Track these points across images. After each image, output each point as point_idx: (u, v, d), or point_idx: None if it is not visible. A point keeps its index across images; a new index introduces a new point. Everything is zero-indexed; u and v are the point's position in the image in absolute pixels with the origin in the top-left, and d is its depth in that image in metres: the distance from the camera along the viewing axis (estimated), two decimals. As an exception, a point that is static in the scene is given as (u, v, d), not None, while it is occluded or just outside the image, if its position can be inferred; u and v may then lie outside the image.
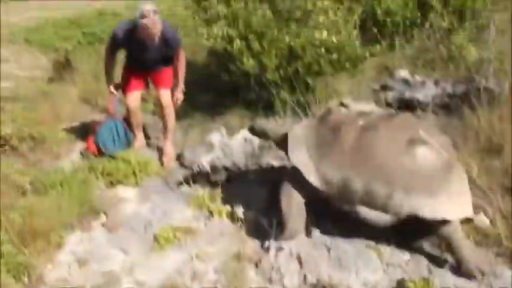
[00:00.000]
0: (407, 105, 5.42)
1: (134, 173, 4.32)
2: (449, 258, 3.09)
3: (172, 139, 4.96)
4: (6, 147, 5.05)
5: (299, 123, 3.66)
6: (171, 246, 3.37)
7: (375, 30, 7.28)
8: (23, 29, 13.12)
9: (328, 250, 3.13)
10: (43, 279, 3.10)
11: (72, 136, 5.33)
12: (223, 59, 5.25)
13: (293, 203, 3.28)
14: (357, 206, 3.11)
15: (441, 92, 5.44)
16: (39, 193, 4.00)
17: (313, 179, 3.21)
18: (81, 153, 4.94)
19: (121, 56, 4.99)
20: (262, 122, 4.06)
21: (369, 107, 5.36)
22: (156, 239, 3.44)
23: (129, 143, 4.93)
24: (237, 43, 4.95)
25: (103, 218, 3.82)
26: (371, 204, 3.06)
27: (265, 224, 3.39)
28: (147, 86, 5.06)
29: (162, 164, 4.72)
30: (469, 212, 3.04)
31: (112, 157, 4.54)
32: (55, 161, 4.86)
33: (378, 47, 5.72)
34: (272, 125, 4.02)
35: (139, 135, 5.11)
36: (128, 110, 4.95)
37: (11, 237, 3.21)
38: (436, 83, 5.63)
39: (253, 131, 3.98)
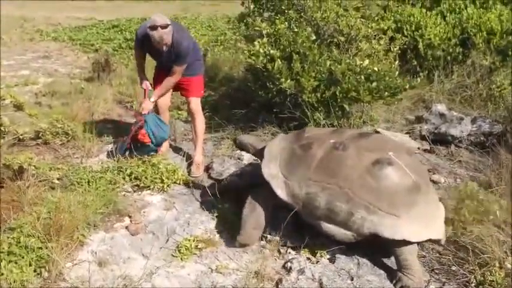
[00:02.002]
0: (441, 140, 5.37)
1: (162, 179, 4.33)
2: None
3: (201, 149, 4.98)
4: (40, 141, 5.15)
5: (276, 138, 3.78)
6: (192, 257, 3.35)
7: (415, 62, 7.27)
8: (68, 27, 13.49)
9: (352, 278, 3.07)
10: (63, 276, 3.11)
11: (104, 135, 5.41)
12: (261, 76, 5.25)
13: (253, 216, 3.41)
14: (320, 221, 3.21)
15: (477, 129, 5.38)
16: (66, 189, 4.04)
17: (280, 192, 3.35)
18: (109, 153, 4.99)
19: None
20: (244, 136, 4.29)
21: (402, 137, 5.32)
22: (177, 247, 3.42)
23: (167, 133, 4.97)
24: (278, 63, 4.94)
25: (127, 220, 3.83)
26: (333, 220, 3.16)
27: (289, 244, 3.35)
28: (175, 89, 5.04)
29: (189, 172, 4.73)
30: (433, 234, 3.10)
31: (141, 161, 4.58)
32: (85, 158, 4.92)
33: (419, 79, 5.66)
34: (252, 139, 4.22)
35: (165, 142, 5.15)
36: (157, 109, 4.99)
37: (36, 231, 3.22)
38: (474, 120, 5.57)
39: (236, 144, 4.25)
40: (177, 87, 4.99)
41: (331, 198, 3.14)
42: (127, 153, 4.75)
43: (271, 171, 3.44)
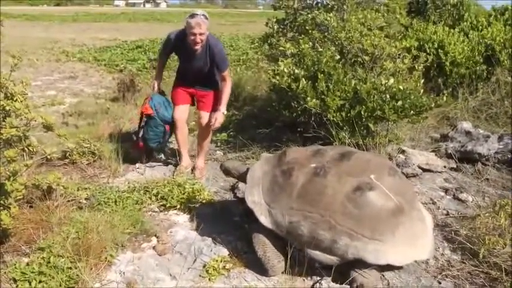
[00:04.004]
0: (467, 158, 5.32)
1: (188, 198, 4.34)
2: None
3: (204, 156, 5.24)
4: (67, 161, 5.22)
5: (258, 163, 3.77)
6: (220, 277, 3.33)
7: (439, 80, 7.23)
8: (93, 48, 13.76)
9: (382, 301, 3.03)
10: (92, 296, 3.13)
11: (129, 155, 5.47)
12: (286, 96, 5.27)
13: (267, 250, 3.36)
14: (305, 247, 3.21)
15: (504, 147, 5.32)
16: (94, 209, 4.08)
17: (264, 220, 3.35)
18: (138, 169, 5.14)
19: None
20: (229, 161, 4.29)
21: (428, 155, 5.27)
22: (205, 268, 3.41)
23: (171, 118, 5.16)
24: (303, 82, 4.97)
25: (154, 240, 3.84)
26: (318, 246, 3.16)
27: (318, 264, 3.33)
28: (193, 103, 5.28)
29: (194, 176, 4.96)
30: (418, 256, 3.13)
31: (167, 181, 4.62)
32: (111, 177, 4.98)
33: (445, 98, 5.63)
34: (236, 164, 4.22)
35: (186, 157, 5.28)
36: (174, 125, 5.16)
37: (66, 251, 3.26)
38: (500, 138, 5.51)
39: (222, 169, 4.26)
40: (194, 100, 5.23)
41: (314, 227, 3.14)
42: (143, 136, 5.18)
43: (254, 198, 3.46)
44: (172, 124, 5.18)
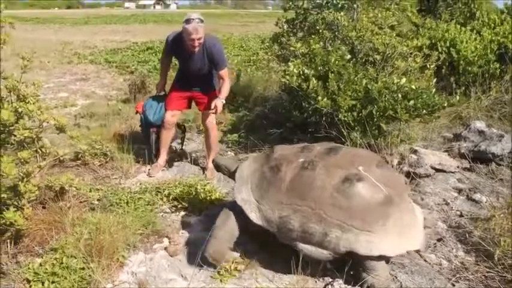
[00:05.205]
0: (481, 158, 5.26)
1: (199, 200, 4.35)
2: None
3: (215, 157, 5.14)
4: (79, 162, 5.25)
5: (246, 162, 3.76)
6: (231, 279, 3.32)
7: (451, 78, 7.18)
8: (104, 50, 13.84)
9: (395, 303, 3.00)
10: (104, 297, 3.13)
11: (141, 156, 5.48)
12: (297, 96, 5.26)
13: (226, 228, 3.41)
14: (296, 243, 3.20)
15: (517, 147, 5.26)
16: (106, 210, 4.10)
17: (254, 217, 3.34)
18: (148, 174, 5.12)
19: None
20: (219, 158, 4.29)
21: (441, 155, 5.23)
22: (216, 269, 3.39)
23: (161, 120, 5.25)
24: (313, 82, 4.95)
25: (165, 241, 3.84)
26: (309, 240, 3.15)
27: (330, 265, 3.31)
28: (189, 106, 5.36)
29: (205, 177, 4.99)
30: (410, 246, 3.13)
31: (178, 182, 4.63)
32: (123, 178, 5.00)
33: (458, 97, 5.58)
34: (226, 161, 4.17)
35: (163, 155, 5.32)
36: (162, 125, 5.20)
37: (79, 251, 3.27)
38: (514, 137, 5.44)
39: (213, 164, 4.27)
40: (190, 103, 5.29)
41: (305, 220, 3.12)
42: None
43: (243, 196, 3.44)
44: (157, 127, 5.25)
